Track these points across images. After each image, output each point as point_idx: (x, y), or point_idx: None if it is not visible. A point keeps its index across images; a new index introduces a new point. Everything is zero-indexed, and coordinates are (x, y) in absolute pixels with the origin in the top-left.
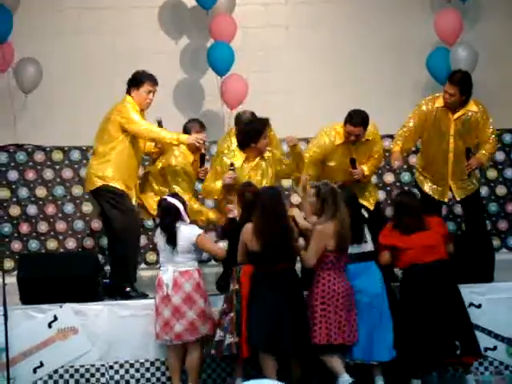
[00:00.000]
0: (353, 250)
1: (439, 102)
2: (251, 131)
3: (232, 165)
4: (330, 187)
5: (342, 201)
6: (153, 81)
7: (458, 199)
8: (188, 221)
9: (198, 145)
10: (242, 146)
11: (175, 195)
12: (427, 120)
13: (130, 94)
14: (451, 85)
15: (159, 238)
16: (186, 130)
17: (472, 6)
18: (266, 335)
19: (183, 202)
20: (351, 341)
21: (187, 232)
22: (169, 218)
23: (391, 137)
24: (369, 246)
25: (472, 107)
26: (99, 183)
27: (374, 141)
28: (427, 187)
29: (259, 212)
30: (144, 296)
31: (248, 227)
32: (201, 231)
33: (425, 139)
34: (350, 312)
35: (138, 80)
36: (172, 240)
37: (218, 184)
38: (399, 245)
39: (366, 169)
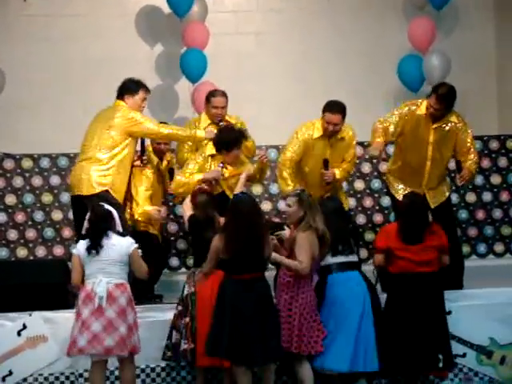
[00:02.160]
0: (338, 259)
1: (421, 110)
2: (225, 140)
3: (222, 163)
4: (309, 195)
5: (323, 211)
6: (147, 89)
7: (432, 207)
8: (121, 230)
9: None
10: (216, 149)
11: (114, 206)
12: (407, 124)
13: (122, 101)
14: (438, 100)
15: (81, 252)
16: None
17: (446, 15)
18: (237, 347)
19: (120, 215)
20: (314, 351)
21: (123, 243)
22: (102, 223)
23: (362, 144)
24: (354, 256)
25: (452, 118)
26: (99, 189)
27: (350, 143)
28: (400, 192)
29: (233, 219)
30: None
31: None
32: (136, 244)
33: (402, 144)
34: (313, 321)
35: (132, 87)
36: (94, 247)
37: (197, 177)
38: (396, 252)
39: (337, 172)
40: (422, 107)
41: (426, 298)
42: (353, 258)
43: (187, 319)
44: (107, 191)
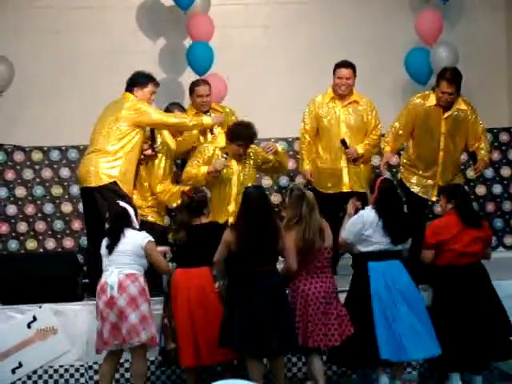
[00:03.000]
0: (380, 246)
1: (430, 101)
2: (232, 132)
3: (227, 154)
4: (299, 194)
5: (315, 206)
6: (156, 82)
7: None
8: (137, 227)
9: (220, 124)
10: (228, 139)
11: (128, 200)
12: (417, 118)
13: (131, 93)
14: (451, 84)
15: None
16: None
17: (453, 6)
18: (249, 338)
19: (135, 208)
20: (325, 344)
21: (137, 236)
22: (119, 222)
23: None
24: (397, 245)
25: (461, 105)
26: (107, 180)
27: (367, 110)
28: (414, 185)
29: (244, 212)
30: None
31: (233, 227)
32: (152, 239)
33: (415, 137)
34: (330, 314)
35: (142, 80)
36: (113, 245)
37: (204, 169)
38: (446, 246)
39: (359, 148)
40: (430, 99)
41: (477, 287)
42: (396, 247)
43: (165, 320)
44: (115, 183)
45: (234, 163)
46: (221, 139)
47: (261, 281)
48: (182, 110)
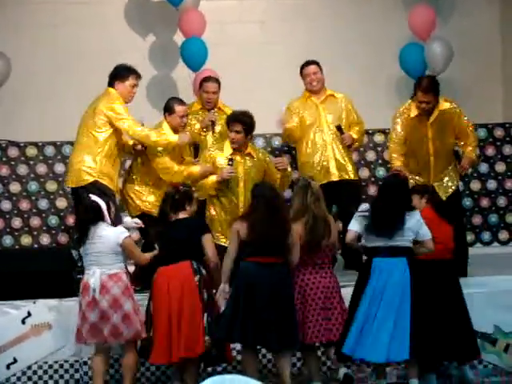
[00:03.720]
0: (386, 242)
1: (413, 112)
2: (227, 118)
3: (231, 160)
4: (304, 184)
5: (321, 196)
6: (137, 74)
7: (444, 199)
8: (109, 222)
9: (188, 140)
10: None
11: (101, 194)
12: (407, 127)
13: (112, 87)
14: (426, 93)
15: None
16: (168, 108)
17: (446, 1)
18: (250, 331)
19: (107, 202)
20: (328, 339)
21: (112, 234)
22: (87, 216)
23: (366, 132)
24: (404, 241)
25: (443, 106)
26: (90, 179)
27: (345, 102)
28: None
29: (256, 202)
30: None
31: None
32: (128, 233)
33: (407, 146)
34: (333, 309)
35: (122, 73)
36: (81, 240)
37: (212, 178)
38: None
39: (353, 133)
40: (412, 109)
41: (444, 285)
42: (402, 243)
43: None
44: (96, 181)
45: (239, 168)
46: (226, 147)
47: (269, 272)
48: (182, 103)
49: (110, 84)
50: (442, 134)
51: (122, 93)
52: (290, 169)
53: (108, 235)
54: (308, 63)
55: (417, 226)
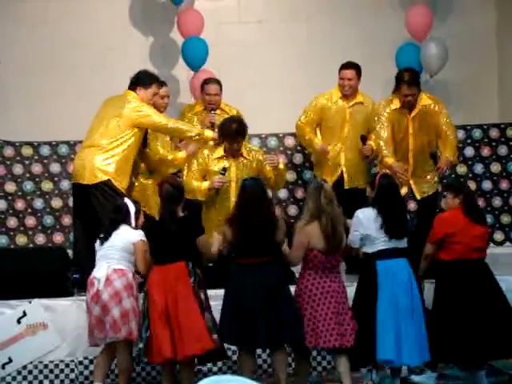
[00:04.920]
0: (386, 244)
1: (395, 104)
2: (227, 130)
3: (224, 169)
4: (317, 185)
5: (334, 198)
6: (160, 83)
7: (418, 198)
8: (134, 225)
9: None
10: (220, 141)
11: (134, 200)
12: (391, 121)
13: (134, 91)
14: (411, 86)
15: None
16: (143, 81)
17: (443, 2)
18: (240, 329)
19: (138, 209)
20: (340, 344)
21: (130, 232)
22: (117, 216)
23: None
24: (404, 242)
25: (426, 101)
26: (102, 178)
27: (370, 112)
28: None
29: (240, 202)
30: None
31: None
32: (144, 238)
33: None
34: (344, 314)
35: (146, 80)
36: (106, 237)
37: (204, 185)
38: (453, 238)
39: (373, 144)
40: (394, 102)
41: (482, 284)
42: (402, 244)
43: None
44: (109, 180)
45: (232, 170)
46: (219, 148)
47: (257, 272)
48: (164, 84)
49: (132, 88)
50: (423, 130)
51: (143, 99)
52: (282, 166)
53: (127, 232)
54: (345, 66)
55: None
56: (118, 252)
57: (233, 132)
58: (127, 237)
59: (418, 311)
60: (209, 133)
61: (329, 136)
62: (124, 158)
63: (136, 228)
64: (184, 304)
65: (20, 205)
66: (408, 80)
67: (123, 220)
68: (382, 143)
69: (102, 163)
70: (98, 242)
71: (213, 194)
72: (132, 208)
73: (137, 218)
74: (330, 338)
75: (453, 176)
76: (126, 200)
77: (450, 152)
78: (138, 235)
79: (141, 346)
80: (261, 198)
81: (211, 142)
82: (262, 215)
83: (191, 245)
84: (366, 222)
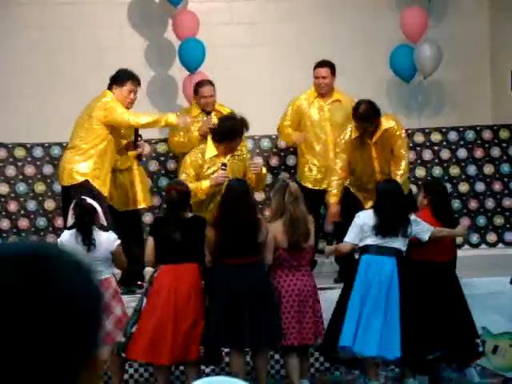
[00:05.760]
0: (377, 241)
1: (355, 133)
2: (228, 128)
3: (224, 165)
4: (282, 184)
5: (299, 197)
6: (136, 81)
7: None
8: (105, 224)
9: (183, 125)
10: (216, 140)
11: (100, 199)
12: (351, 147)
13: (111, 90)
14: (360, 121)
15: (70, 242)
16: (120, 80)
17: (438, 4)
18: (228, 330)
19: (105, 208)
20: (300, 343)
21: (106, 239)
22: (87, 218)
23: None
24: (396, 242)
25: (385, 125)
26: (80, 179)
27: (349, 108)
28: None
29: (223, 204)
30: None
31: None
32: (119, 240)
33: (352, 164)
34: (305, 312)
35: (121, 78)
36: (88, 241)
37: (205, 183)
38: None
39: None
40: (353, 131)
41: (445, 286)
42: (393, 244)
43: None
44: (87, 181)
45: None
46: (211, 148)
47: (243, 273)
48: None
49: (109, 87)
50: (385, 151)
51: (118, 97)
52: (264, 171)
53: (105, 242)
54: (320, 64)
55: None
56: (100, 262)
57: (234, 131)
58: (105, 246)
59: (392, 309)
60: (172, 118)
61: (310, 136)
62: (100, 159)
63: (107, 225)
64: (192, 308)
65: (13, 207)
66: (357, 118)
67: (93, 221)
68: (334, 178)
69: (79, 165)
70: (73, 243)
71: (214, 192)
72: (98, 208)
73: (106, 217)
74: (289, 336)
75: (429, 178)
76: (90, 200)
77: (402, 177)
78: (114, 240)
79: (122, 339)
80: (244, 199)
81: (210, 142)
82: (245, 215)
83: (201, 245)
84: (364, 217)
